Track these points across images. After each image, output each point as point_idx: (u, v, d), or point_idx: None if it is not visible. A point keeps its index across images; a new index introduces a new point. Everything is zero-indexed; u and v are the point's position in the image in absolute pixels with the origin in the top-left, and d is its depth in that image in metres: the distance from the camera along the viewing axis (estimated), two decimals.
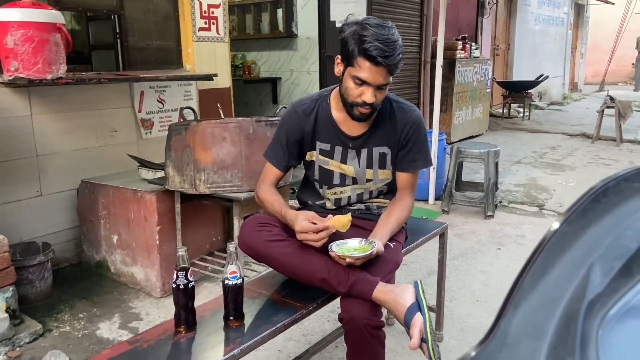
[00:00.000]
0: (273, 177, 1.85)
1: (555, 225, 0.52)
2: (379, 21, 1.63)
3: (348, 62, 1.64)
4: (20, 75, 2.57)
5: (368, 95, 1.63)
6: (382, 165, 1.83)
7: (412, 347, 1.42)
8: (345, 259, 1.54)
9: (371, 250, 1.55)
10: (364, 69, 1.59)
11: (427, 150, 1.86)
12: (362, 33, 1.57)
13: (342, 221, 1.58)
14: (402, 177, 1.84)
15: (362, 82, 1.62)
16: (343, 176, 1.83)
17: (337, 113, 1.79)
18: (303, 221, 1.57)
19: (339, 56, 1.68)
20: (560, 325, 0.48)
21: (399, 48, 1.60)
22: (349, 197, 1.87)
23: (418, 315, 1.47)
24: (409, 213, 1.86)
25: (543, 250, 0.51)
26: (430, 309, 1.54)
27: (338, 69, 1.71)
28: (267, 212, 1.83)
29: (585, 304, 0.49)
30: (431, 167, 4.33)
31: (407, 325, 1.48)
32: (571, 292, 0.50)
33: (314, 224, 1.56)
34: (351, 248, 1.60)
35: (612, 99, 7.15)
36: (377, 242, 1.59)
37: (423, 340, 1.43)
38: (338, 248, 1.58)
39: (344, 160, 1.81)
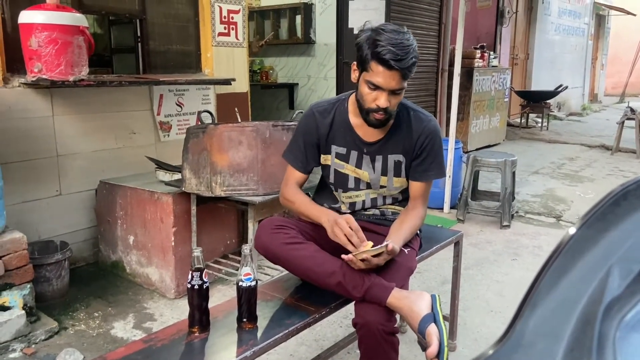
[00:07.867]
0: (296, 180, 1.86)
1: (574, 228, 0.52)
2: (395, 27, 1.63)
3: (362, 67, 1.65)
4: (43, 76, 2.62)
5: (382, 100, 1.63)
6: (397, 173, 1.82)
7: (430, 355, 1.41)
8: (360, 261, 1.53)
9: (385, 243, 1.53)
10: (377, 73, 1.60)
11: (441, 160, 1.85)
12: (376, 38, 1.58)
13: (362, 251, 1.56)
14: (415, 187, 1.84)
15: (376, 87, 1.63)
16: (358, 180, 1.83)
17: (354, 118, 1.80)
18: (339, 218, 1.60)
19: (355, 62, 1.70)
20: (577, 327, 0.48)
21: (413, 52, 1.59)
22: (364, 202, 1.87)
23: (433, 326, 1.46)
24: (422, 222, 1.85)
25: (561, 252, 0.50)
26: (444, 318, 1.53)
27: (354, 75, 1.72)
28: (294, 213, 1.85)
29: (603, 307, 0.48)
30: (447, 175, 4.31)
31: (421, 333, 1.48)
32: (589, 295, 0.49)
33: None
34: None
35: (632, 110, 7.06)
36: (391, 242, 1.58)
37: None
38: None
39: (359, 165, 1.81)
